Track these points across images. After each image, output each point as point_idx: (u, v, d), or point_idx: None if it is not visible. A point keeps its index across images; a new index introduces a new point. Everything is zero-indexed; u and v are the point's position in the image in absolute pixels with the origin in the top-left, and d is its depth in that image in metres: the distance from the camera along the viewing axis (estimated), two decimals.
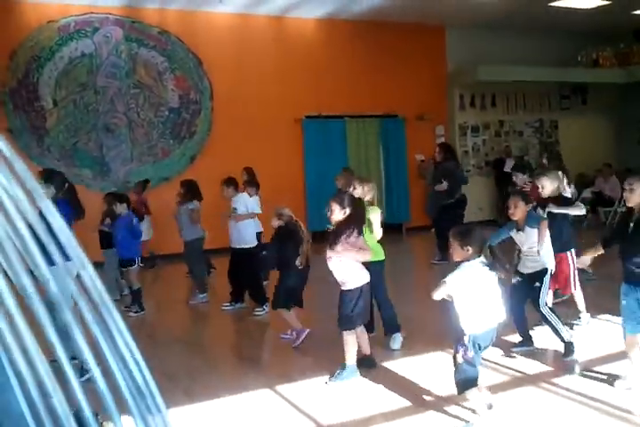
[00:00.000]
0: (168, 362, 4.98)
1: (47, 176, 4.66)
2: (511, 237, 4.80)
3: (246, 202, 6.77)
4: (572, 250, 5.33)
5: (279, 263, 5.38)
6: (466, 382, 3.50)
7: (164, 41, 10.43)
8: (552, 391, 3.98)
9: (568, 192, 5.89)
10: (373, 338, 4.96)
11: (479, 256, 3.48)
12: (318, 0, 10.47)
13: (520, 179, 6.80)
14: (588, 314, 5.42)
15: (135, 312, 6.60)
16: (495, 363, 4.51)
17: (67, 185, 4.81)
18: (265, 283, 6.97)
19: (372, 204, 5.03)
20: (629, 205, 3.79)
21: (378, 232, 4.96)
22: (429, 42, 12.64)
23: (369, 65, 11.94)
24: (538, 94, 14.06)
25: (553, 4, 10.98)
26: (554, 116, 14.43)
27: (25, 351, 0.60)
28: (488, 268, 3.49)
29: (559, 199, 5.22)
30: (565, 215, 5.25)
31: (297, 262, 5.23)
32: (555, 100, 14.41)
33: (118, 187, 9.82)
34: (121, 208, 6.54)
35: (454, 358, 3.60)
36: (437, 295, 3.50)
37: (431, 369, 4.43)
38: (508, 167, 12.36)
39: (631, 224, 3.74)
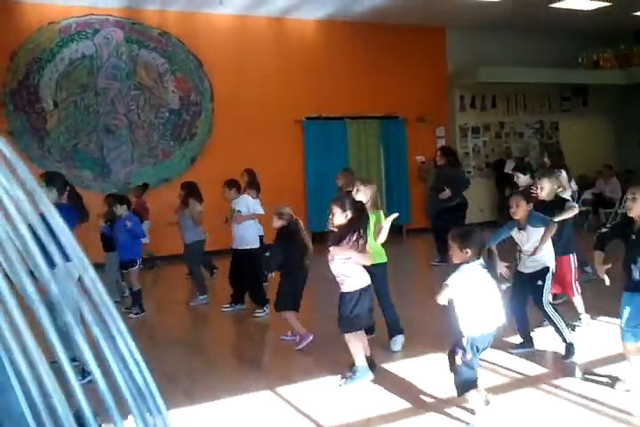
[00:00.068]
0: (168, 363, 4.98)
1: (48, 179, 4.65)
2: (511, 237, 4.79)
3: (248, 203, 6.76)
4: (574, 253, 5.33)
5: (283, 265, 5.34)
6: (465, 384, 3.51)
7: (165, 42, 10.44)
8: (552, 393, 3.98)
9: (569, 191, 5.88)
10: (373, 340, 4.96)
11: (478, 259, 3.49)
12: (318, 1, 10.48)
13: (521, 179, 6.79)
14: (588, 315, 5.41)
15: (135, 314, 6.60)
16: (495, 364, 4.50)
17: (68, 188, 4.80)
18: (265, 284, 6.96)
19: (375, 206, 5.01)
20: (631, 215, 3.73)
21: (384, 235, 4.93)
22: (430, 43, 12.65)
23: (369, 66, 11.95)
24: (538, 96, 14.07)
25: (553, 5, 10.99)
26: (554, 118, 14.44)
27: (25, 351, 0.60)
28: (486, 270, 3.50)
29: (555, 202, 5.21)
30: (564, 221, 5.24)
31: (307, 262, 5.23)
32: (555, 101, 14.42)
33: (119, 188, 9.82)
34: (121, 210, 6.54)
35: (449, 359, 3.62)
36: (442, 299, 3.49)
37: (431, 371, 4.42)
38: (508, 169, 12.36)
39: (633, 236, 3.71)
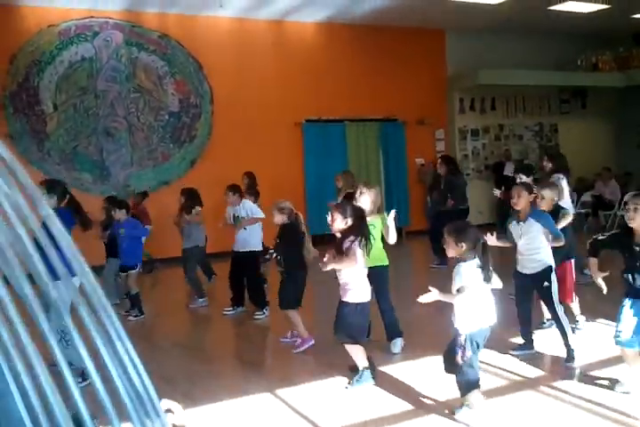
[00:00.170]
0: (168, 366, 4.98)
1: (49, 186, 4.67)
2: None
3: (247, 208, 6.71)
4: (575, 259, 5.34)
5: (290, 263, 5.30)
6: (468, 385, 3.54)
7: (164, 45, 10.45)
8: (551, 395, 3.98)
9: (567, 200, 5.88)
10: (373, 342, 4.96)
11: (474, 258, 3.52)
12: (318, 4, 10.49)
13: (524, 180, 6.79)
14: (583, 317, 5.42)
15: (135, 316, 6.60)
16: (495, 367, 4.51)
17: (68, 196, 4.81)
18: (265, 286, 6.96)
19: (379, 210, 5.01)
20: (632, 225, 3.70)
21: (393, 234, 4.92)
22: (429, 46, 12.67)
23: (369, 69, 11.96)
24: (537, 98, 14.08)
25: (552, 7, 11.00)
26: (553, 120, 14.45)
27: (24, 355, 0.61)
28: (481, 270, 3.54)
29: (554, 212, 5.21)
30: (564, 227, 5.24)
31: (308, 256, 5.23)
32: (554, 103, 14.44)
33: (118, 191, 9.82)
34: (120, 214, 6.54)
35: (445, 361, 3.64)
36: (461, 299, 3.51)
37: (431, 373, 4.42)
38: (507, 171, 12.37)
39: (637, 248, 3.69)
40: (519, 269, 4.73)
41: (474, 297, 3.53)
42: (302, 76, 11.41)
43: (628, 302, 3.78)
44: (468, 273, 3.51)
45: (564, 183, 6.83)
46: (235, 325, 6.50)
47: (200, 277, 7.67)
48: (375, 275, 4.74)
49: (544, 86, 13.52)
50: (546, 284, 4.56)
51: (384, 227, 4.89)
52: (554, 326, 4.78)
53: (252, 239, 6.63)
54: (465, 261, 3.55)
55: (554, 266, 4.64)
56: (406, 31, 12.24)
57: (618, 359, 4.18)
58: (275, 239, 5.48)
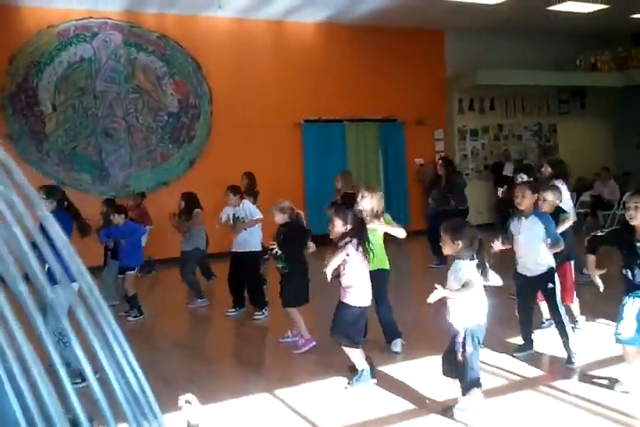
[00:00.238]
0: (167, 366, 4.97)
1: (48, 192, 4.67)
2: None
3: (246, 209, 6.70)
4: (574, 259, 5.33)
5: (291, 261, 5.27)
6: (470, 383, 3.54)
7: (163, 46, 10.44)
8: (551, 395, 3.98)
9: (568, 201, 5.88)
10: (372, 343, 4.96)
11: (472, 259, 3.53)
12: (318, 4, 10.49)
13: (526, 180, 6.78)
14: (583, 317, 5.42)
15: (134, 317, 6.60)
16: (494, 366, 4.50)
17: (66, 203, 4.81)
18: (264, 287, 6.95)
19: (381, 214, 4.99)
20: (634, 223, 3.71)
21: (400, 232, 5.07)
22: (429, 46, 12.67)
23: (368, 69, 11.96)
24: (537, 98, 14.09)
25: (551, 8, 11.00)
26: (552, 120, 14.46)
27: (19, 356, 0.60)
28: (477, 267, 3.55)
29: (555, 214, 5.21)
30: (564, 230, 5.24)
31: (307, 251, 5.24)
32: (553, 103, 14.44)
33: (117, 192, 9.82)
34: (119, 219, 6.54)
35: (444, 365, 3.64)
36: (468, 293, 3.51)
37: (431, 373, 4.41)
38: (506, 171, 12.38)
39: (638, 244, 3.70)
40: (520, 270, 4.71)
41: (472, 294, 3.54)
42: (301, 77, 11.41)
43: (628, 300, 3.78)
44: (468, 269, 3.53)
45: (565, 189, 6.85)
46: (234, 325, 6.50)
47: (199, 278, 7.67)
48: (375, 278, 4.74)
49: (543, 86, 13.53)
50: (550, 286, 4.55)
51: (390, 225, 4.94)
52: (553, 325, 4.78)
53: (251, 240, 6.62)
54: (462, 258, 3.56)
55: (555, 267, 4.63)
56: (405, 32, 12.24)
57: (617, 359, 4.18)
58: (274, 238, 5.45)
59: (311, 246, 5.33)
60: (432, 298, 3.53)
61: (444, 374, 3.72)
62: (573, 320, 5.30)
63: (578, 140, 14.38)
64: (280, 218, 5.33)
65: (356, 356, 4.28)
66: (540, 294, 4.85)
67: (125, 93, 10.17)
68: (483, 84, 12.60)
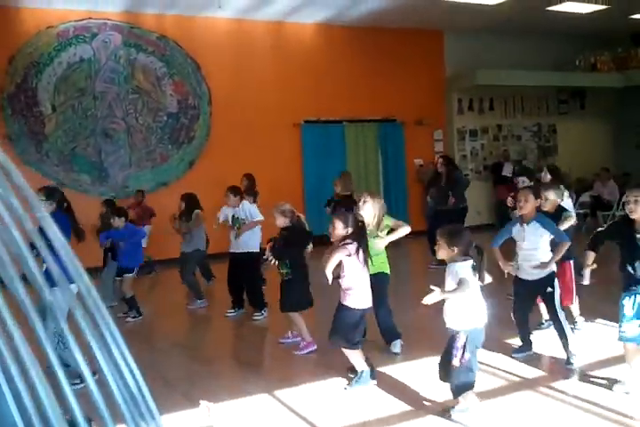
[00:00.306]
0: (167, 367, 4.98)
1: (48, 193, 4.68)
2: (511, 238, 4.74)
3: (247, 210, 6.70)
4: (572, 260, 5.33)
5: (294, 265, 5.25)
6: (464, 387, 3.54)
7: (163, 46, 10.45)
8: (550, 396, 3.98)
9: (568, 203, 5.88)
10: (372, 343, 4.96)
11: (466, 260, 3.54)
12: (317, 5, 10.50)
13: (527, 184, 6.80)
14: (582, 318, 5.42)
15: (133, 317, 6.60)
16: (493, 367, 4.51)
17: (65, 205, 4.82)
18: (263, 288, 6.95)
19: (381, 221, 4.98)
20: (634, 217, 3.71)
21: (404, 229, 5.03)
22: (428, 46, 12.68)
23: (367, 70, 11.97)
24: (536, 98, 14.10)
25: (551, 8, 11.00)
26: (552, 121, 14.46)
27: (17, 358, 0.60)
28: (473, 270, 3.56)
29: (557, 214, 5.21)
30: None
31: (308, 250, 5.25)
32: (553, 104, 14.45)
33: (117, 192, 9.82)
34: (119, 222, 6.54)
35: (441, 370, 3.64)
36: (456, 295, 3.51)
37: (429, 374, 4.41)
38: (506, 171, 12.39)
39: (637, 235, 3.70)
40: (520, 275, 4.69)
41: (468, 296, 3.54)
42: (301, 77, 11.41)
43: (628, 297, 3.78)
44: (464, 271, 3.53)
45: (566, 195, 6.89)
46: (234, 326, 6.50)
47: (199, 279, 7.67)
48: (375, 282, 4.75)
49: (542, 87, 13.54)
50: (549, 290, 4.55)
51: (392, 225, 4.96)
52: (552, 326, 4.79)
53: (250, 241, 6.62)
54: (457, 261, 3.57)
55: (556, 271, 4.64)
56: (405, 32, 12.25)
57: (617, 359, 4.18)
58: (273, 242, 5.43)
59: (309, 247, 5.34)
60: (428, 300, 3.53)
61: (442, 379, 3.72)
62: (572, 321, 5.30)
63: (577, 140, 14.39)
64: (281, 221, 5.30)
65: (356, 357, 4.29)
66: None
67: (125, 94, 10.18)
68: (482, 85, 12.60)
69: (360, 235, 4.23)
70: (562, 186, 6.65)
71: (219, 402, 4.14)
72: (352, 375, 4.35)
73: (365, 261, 4.21)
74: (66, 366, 0.71)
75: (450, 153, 12.71)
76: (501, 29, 12.63)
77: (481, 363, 4.21)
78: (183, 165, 10.64)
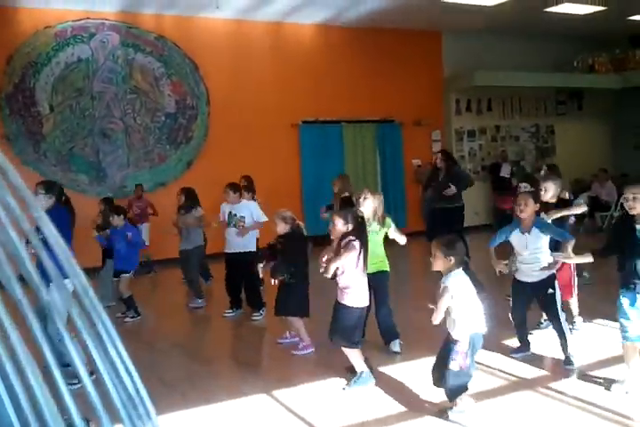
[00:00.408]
0: (165, 367, 4.97)
1: (48, 187, 4.69)
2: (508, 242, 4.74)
3: (252, 211, 6.67)
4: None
5: (295, 271, 5.22)
6: (459, 389, 3.54)
7: (161, 46, 10.44)
8: (549, 396, 3.98)
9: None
10: (371, 343, 4.96)
11: (459, 267, 3.55)
12: (316, 6, 10.50)
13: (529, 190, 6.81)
14: (581, 318, 5.43)
15: (132, 317, 6.59)
16: (492, 368, 4.51)
17: (64, 198, 4.83)
18: (261, 287, 6.94)
19: (379, 219, 4.98)
20: (634, 213, 3.70)
21: (401, 238, 5.08)
22: (426, 47, 12.69)
23: (366, 70, 11.97)
24: (534, 99, 14.11)
25: (548, 9, 11.01)
26: (550, 122, 14.48)
27: (14, 357, 0.60)
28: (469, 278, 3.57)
29: (559, 203, 5.22)
30: (563, 221, 5.23)
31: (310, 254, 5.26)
32: (551, 105, 14.47)
33: (114, 192, 9.81)
34: (118, 220, 6.52)
35: (435, 374, 3.64)
36: (444, 304, 3.51)
37: (428, 375, 4.41)
38: (504, 172, 12.39)
39: (637, 227, 3.70)
40: (519, 277, 4.68)
41: (468, 303, 3.54)
42: (299, 78, 11.41)
43: (628, 295, 3.77)
44: (459, 283, 3.53)
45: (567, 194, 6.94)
46: (232, 326, 6.49)
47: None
48: (376, 280, 4.76)
49: (540, 88, 13.55)
50: (550, 291, 4.54)
51: (389, 230, 4.95)
52: (550, 326, 4.79)
53: (247, 240, 6.61)
54: (452, 271, 3.57)
55: (556, 273, 4.63)
56: (403, 33, 12.26)
57: (616, 359, 4.19)
58: (269, 250, 5.44)
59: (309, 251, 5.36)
60: (435, 320, 3.54)
61: (435, 384, 3.71)
62: (571, 321, 5.31)
63: (575, 141, 14.41)
64: (282, 227, 5.28)
65: (356, 357, 4.28)
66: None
67: (123, 94, 10.17)
68: (480, 86, 12.62)
69: (360, 230, 4.23)
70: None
71: (217, 402, 4.14)
72: (351, 375, 4.34)
73: (365, 259, 4.21)
74: (67, 365, 0.70)
75: None
76: (499, 30, 12.64)
77: (479, 363, 4.22)
78: (181, 165, 10.64)
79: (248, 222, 6.55)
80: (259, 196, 8.12)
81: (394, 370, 4.60)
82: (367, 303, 4.34)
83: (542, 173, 7.65)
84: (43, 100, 9.65)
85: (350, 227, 4.20)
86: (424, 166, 12.42)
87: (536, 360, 4.68)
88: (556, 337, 4.60)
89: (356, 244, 4.15)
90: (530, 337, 4.88)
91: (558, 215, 5.11)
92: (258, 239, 7.16)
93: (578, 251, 4.31)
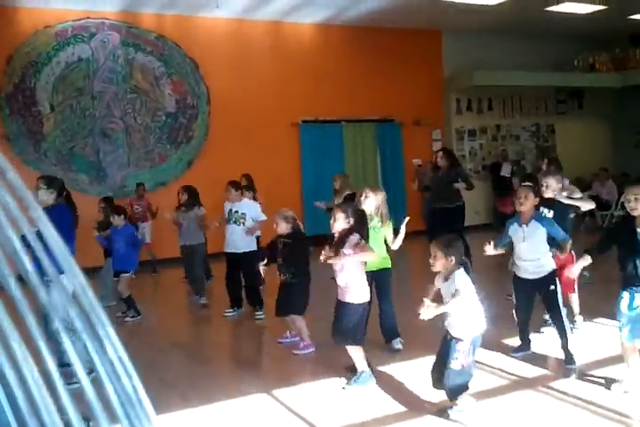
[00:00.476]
0: (165, 367, 4.97)
1: (49, 182, 4.70)
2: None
3: (252, 210, 6.68)
4: (573, 252, 5.33)
5: (298, 271, 5.22)
6: (460, 388, 3.53)
7: (161, 46, 10.44)
8: (549, 395, 3.98)
9: (578, 193, 5.88)
10: (371, 342, 4.95)
11: (460, 267, 3.55)
12: (316, 5, 10.50)
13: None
14: (581, 317, 5.43)
15: (132, 317, 6.59)
16: (492, 367, 4.50)
17: (65, 193, 4.84)
18: (261, 287, 6.94)
19: (383, 216, 4.97)
20: (635, 214, 3.68)
21: (399, 241, 5.01)
22: (426, 47, 12.69)
23: (366, 70, 11.97)
24: (534, 98, 14.11)
25: (549, 8, 11.01)
26: (550, 121, 14.48)
27: (12, 358, 0.60)
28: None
29: (559, 200, 5.21)
30: (565, 217, 5.21)
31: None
32: (551, 104, 14.46)
33: (115, 192, 9.81)
34: (118, 220, 6.53)
35: (434, 375, 3.64)
36: (455, 305, 3.50)
37: (428, 374, 4.41)
38: (504, 171, 12.39)
39: (638, 229, 3.70)
40: (520, 274, 4.67)
41: (472, 303, 3.55)
42: (299, 77, 11.41)
43: (626, 295, 3.77)
44: (466, 280, 3.54)
45: (566, 182, 6.95)
46: (232, 325, 6.49)
47: None
48: (378, 278, 4.76)
49: (541, 87, 13.55)
50: (552, 287, 4.53)
51: (388, 232, 4.94)
52: (551, 326, 4.79)
53: (248, 240, 6.62)
54: (454, 271, 3.57)
55: (556, 269, 4.63)
56: (403, 32, 12.25)
57: (616, 359, 4.18)
58: (270, 250, 5.44)
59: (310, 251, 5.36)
60: (425, 315, 3.51)
61: (435, 386, 3.70)
62: (572, 320, 5.31)
63: (576, 140, 14.41)
64: (284, 227, 5.26)
65: (359, 356, 4.27)
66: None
67: (123, 94, 10.17)
68: (480, 85, 12.61)
69: (361, 223, 4.23)
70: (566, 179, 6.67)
71: (217, 402, 4.14)
72: (351, 375, 4.34)
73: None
74: (67, 365, 0.70)
75: None
76: (500, 30, 12.63)
77: (480, 362, 4.22)
78: (182, 164, 10.64)
79: (248, 221, 6.56)
80: (259, 194, 8.12)
81: (394, 369, 4.60)
82: (368, 298, 4.32)
83: (544, 166, 7.62)
84: (43, 100, 9.65)
85: (352, 221, 4.19)
86: (424, 166, 12.42)
87: (536, 359, 4.68)
88: (556, 336, 4.59)
89: (363, 242, 4.15)
90: (531, 336, 4.87)
91: (569, 201, 5.12)
92: (259, 239, 7.18)
93: (578, 247, 4.31)
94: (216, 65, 10.76)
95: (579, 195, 5.67)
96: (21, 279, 0.70)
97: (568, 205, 5.25)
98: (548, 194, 5.11)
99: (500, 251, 4.66)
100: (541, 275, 4.55)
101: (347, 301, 4.22)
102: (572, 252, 5.27)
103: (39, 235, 0.71)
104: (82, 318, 0.67)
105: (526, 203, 4.52)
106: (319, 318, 5.36)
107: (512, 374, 4.38)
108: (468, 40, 12.81)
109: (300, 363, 5.03)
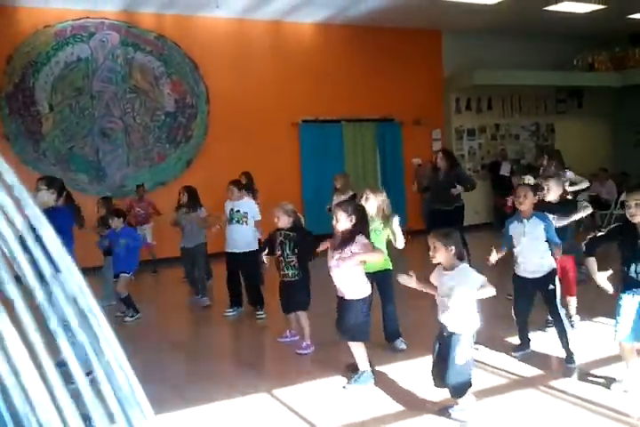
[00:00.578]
0: (165, 366, 4.97)
1: (49, 182, 4.70)
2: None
3: (252, 207, 6.68)
4: (576, 252, 5.32)
5: (302, 265, 5.21)
6: (464, 385, 3.53)
7: (161, 45, 10.43)
8: (549, 394, 3.98)
9: (586, 182, 5.82)
10: (371, 342, 4.95)
11: (463, 261, 3.55)
12: (316, 5, 10.49)
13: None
14: (578, 316, 5.42)
15: (131, 316, 6.59)
16: (493, 366, 4.50)
17: (65, 193, 4.84)
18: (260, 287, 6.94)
19: (384, 217, 4.95)
20: (635, 221, 3.66)
21: (400, 239, 4.95)
22: (426, 46, 12.69)
23: (366, 69, 11.97)
24: (534, 98, 14.11)
25: (548, 8, 11.01)
26: (550, 120, 14.48)
27: (9, 358, 0.60)
28: None
29: (562, 203, 5.20)
30: (565, 227, 5.20)
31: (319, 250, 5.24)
32: (551, 103, 14.46)
33: (114, 192, 9.80)
34: (117, 223, 6.52)
35: (434, 374, 3.63)
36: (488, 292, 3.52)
37: (428, 373, 4.41)
38: (504, 171, 12.39)
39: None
40: (520, 273, 4.67)
41: (472, 298, 3.56)
42: (299, 77, 11.41)
43: (626, 297, 3.76)
44: (477, 274, 3.54)
45: (570, 175, 6.97)
46: (233, 325, 6.49)
47: None
48: (381, 279, 4.75)
49: (540, 86, 13.55)
50: (551, 287, 4.53)
51: (391, 232, 4.90)
52: (552, 325, 4.79)
53: (249, 239, 6.61)
54: (457, 264, 3.57)
55: (556, 268, 4.62)
56: (403, 32, 12.25)
57: (616, 358, 4.18)
58: (269, 242, 5.43)
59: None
60: (404, 280, 3.55)
61: (437, 385, 3.70)
62: (569, 321, 5.30)
63: (575, 139, 14.40)
64: (285, 221, 5.21)
65: (362, 355, 4.27)
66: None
67: (122, 93, 10.16)
68: (480, 84, 12.61)
69: (363, 221, 4.22)
70: (567, 171, 6.65)
71: (217, 401, 4.14)
72: (351, 374, 4.34)
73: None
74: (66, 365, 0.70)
75: None
76: (499, 29, 12.63)
77: (480, 362, 4.22)
78: (181, 164, 10.63)
79: (250, 220, 6.57)
80: (259, 194, 8.12)
81: (394, 369, 4.60)
82: (370, 291, 4.31)
83: (544, 162, 7.56)
84: (42, 100, 9.64)
85: (354, 219, 4.17)
86: (424, 165, 12.41)
87: (537, 358, 4.68)
88: (556, 335, 4.59)
89: (368, 242, 4.15)
90: (532, 335, 4.87)
91: (567, 222, 5.10)
92: (259, 239, 7.18)
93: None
94: (216, 65, 10.75)
95: (585, 184, 5.70)
96: (19, 280, 0.70)
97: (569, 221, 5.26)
98: (549, 197, 5.08)
99: (503, 253, 4.68)
100: (541, 274, 4.55)
101: (349, 298, 4.22)
102: (574, 255, 5.27)
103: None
104: (80, 318, 0.67)
105: (526, 202, 4.53)
106: (320, 317, 5.36)
107: (512, 374, 4.38)
108: (467, 40, 12.81)
109: (300, 362, 5.03)
